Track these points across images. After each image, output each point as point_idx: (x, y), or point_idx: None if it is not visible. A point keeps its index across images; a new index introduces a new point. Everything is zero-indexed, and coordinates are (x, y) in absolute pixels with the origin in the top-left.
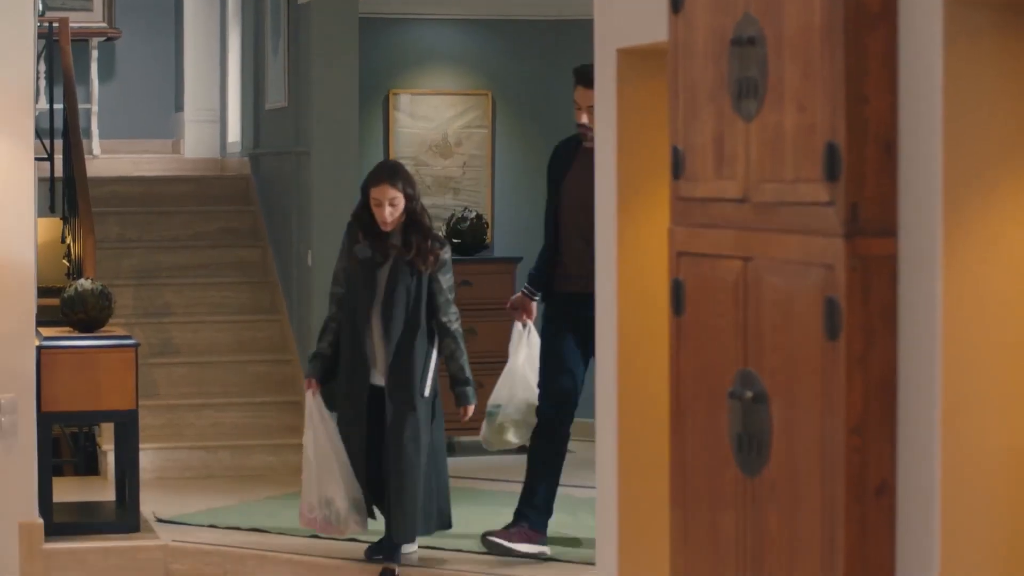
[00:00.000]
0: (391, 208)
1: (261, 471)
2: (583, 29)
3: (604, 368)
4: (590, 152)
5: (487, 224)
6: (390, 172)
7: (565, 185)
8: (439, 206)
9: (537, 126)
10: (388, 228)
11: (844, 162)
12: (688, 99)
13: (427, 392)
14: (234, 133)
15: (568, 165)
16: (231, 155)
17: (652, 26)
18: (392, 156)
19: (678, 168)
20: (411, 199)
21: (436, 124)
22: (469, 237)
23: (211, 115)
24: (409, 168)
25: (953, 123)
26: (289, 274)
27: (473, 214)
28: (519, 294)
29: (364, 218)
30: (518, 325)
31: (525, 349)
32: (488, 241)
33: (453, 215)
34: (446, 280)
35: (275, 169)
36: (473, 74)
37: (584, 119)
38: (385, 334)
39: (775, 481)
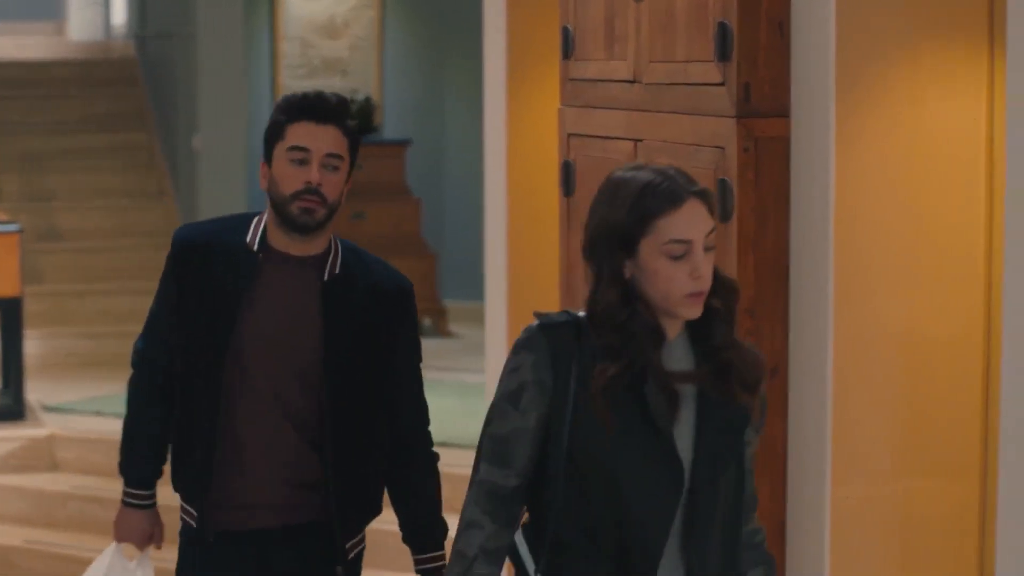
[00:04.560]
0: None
1: None
2: None
3: (494, 251)
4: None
5: (376, 106)
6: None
7: (251, 314)
8: (327, 87)
9: (427, 6)
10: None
11: (736, 42)
12: None
13: None
14: (119, 15)
15: (247, 276)
16: (116, 37)
17: None
18: (279, 37)
19: (568, 48)
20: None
21: (324, 5)
22: (358, 120)
23: None
24: (295, 50)
25: (846, 3)
26: (175, 158)
27: (362, 96)
28: (121, 509)
29: (615, 308)
30: (111, 549)
31: None
32: (377, 123)
33: None
34: None
35: (161, 52)
36: None
37: (315, 175)
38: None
39: None
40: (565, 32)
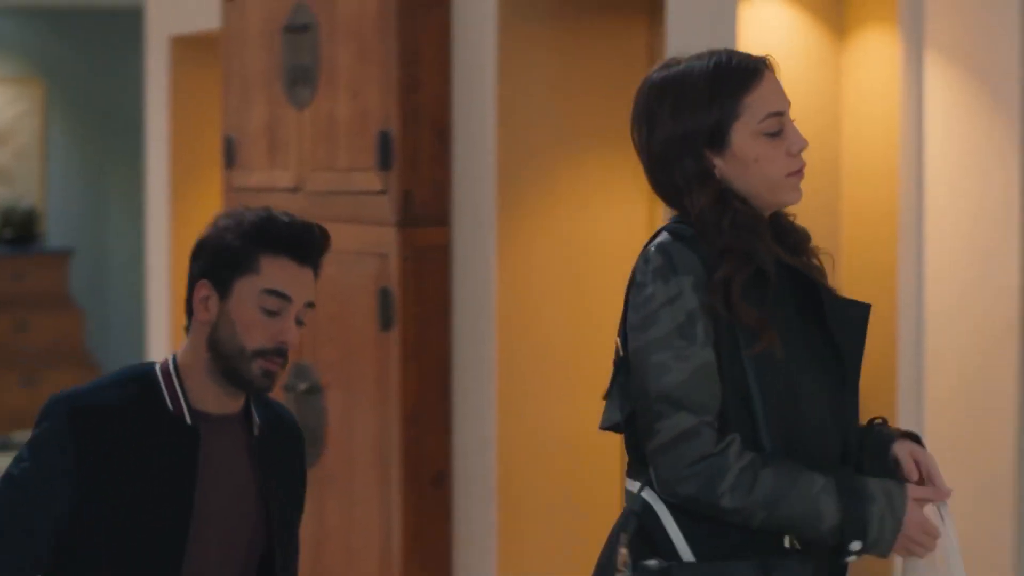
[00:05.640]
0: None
1: None
2: (137, 18)
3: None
4: (276, 429)
5: (39, 215)
6: None
7: (201, 495)
8: None
9: (91, 115)
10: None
11: (397, 150)
12: (240, 87)
13: None
14: None
15: (190, 454)
16: None
17: (206, 14)
18: None
19: (231, 157)
20: None
21: None
22: (21, 229)
23: None
24: None
25: (507, 108)
26: None
27: (25, 205)
28: None
29: (719, 209)
30: None
31: None
32: (41, 232)
33: (4, 206)
34: None
35: None
36: (23, 62)
37: (293, 334)
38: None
39: (332, 472)
40: (227, 141)
